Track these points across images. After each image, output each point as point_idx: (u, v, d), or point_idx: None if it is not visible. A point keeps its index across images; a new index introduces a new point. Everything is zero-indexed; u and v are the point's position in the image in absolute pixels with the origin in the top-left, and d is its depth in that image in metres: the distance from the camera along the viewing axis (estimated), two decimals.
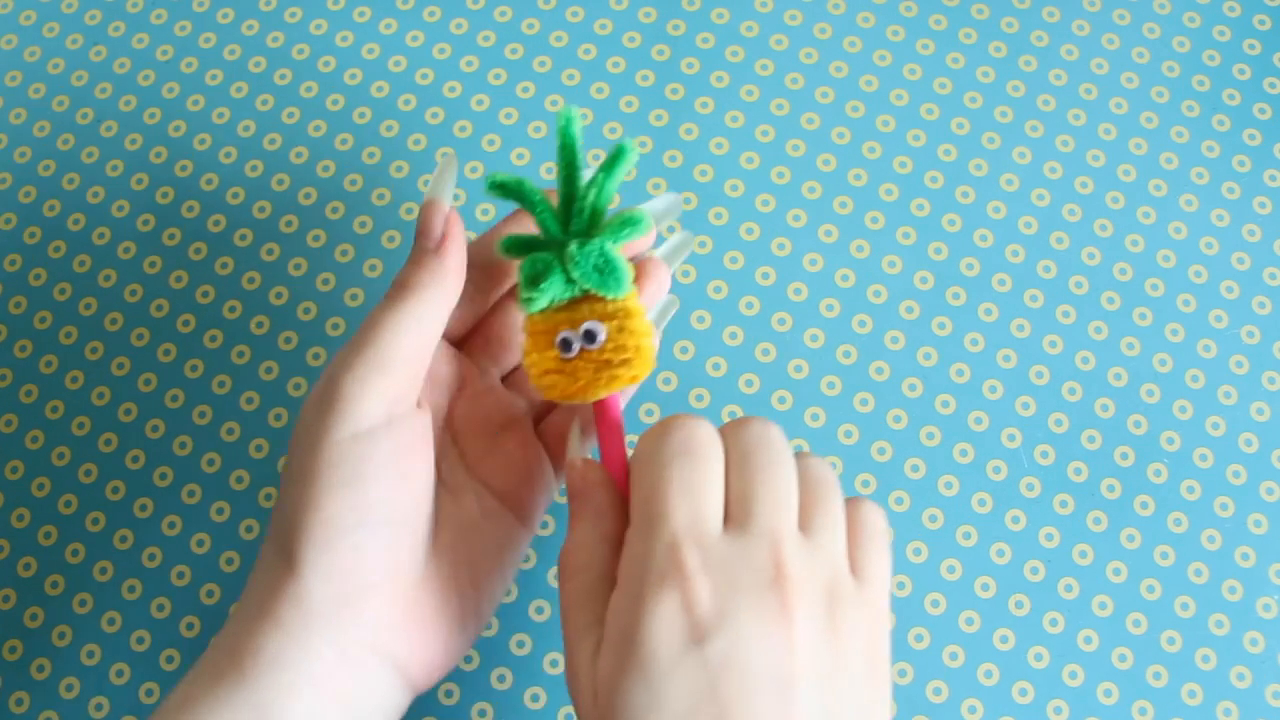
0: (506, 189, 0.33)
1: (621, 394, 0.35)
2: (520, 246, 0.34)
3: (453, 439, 0.35)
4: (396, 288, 0.32)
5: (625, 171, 0.33)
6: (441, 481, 0.34)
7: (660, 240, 0.37)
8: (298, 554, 0.30)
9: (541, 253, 0.33)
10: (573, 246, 0.32)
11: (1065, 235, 0.44)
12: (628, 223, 0.33)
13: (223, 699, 0.30)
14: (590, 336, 0.33)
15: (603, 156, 0.44)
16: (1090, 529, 0.41)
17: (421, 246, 0.33)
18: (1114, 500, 0.41)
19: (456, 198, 0.43)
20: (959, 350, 0.42)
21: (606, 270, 0.32)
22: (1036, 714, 0.39)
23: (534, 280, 0.33)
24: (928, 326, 0.42)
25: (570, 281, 0.33)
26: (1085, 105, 0.45)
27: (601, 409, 0.34)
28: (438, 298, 0.32)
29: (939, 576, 0.40)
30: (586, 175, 0.34)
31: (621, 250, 0.33)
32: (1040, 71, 0.45)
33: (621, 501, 0.32)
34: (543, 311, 0.33)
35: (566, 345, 0.33)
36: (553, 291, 0.33)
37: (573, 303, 0.33)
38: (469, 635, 0.33)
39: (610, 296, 0.33)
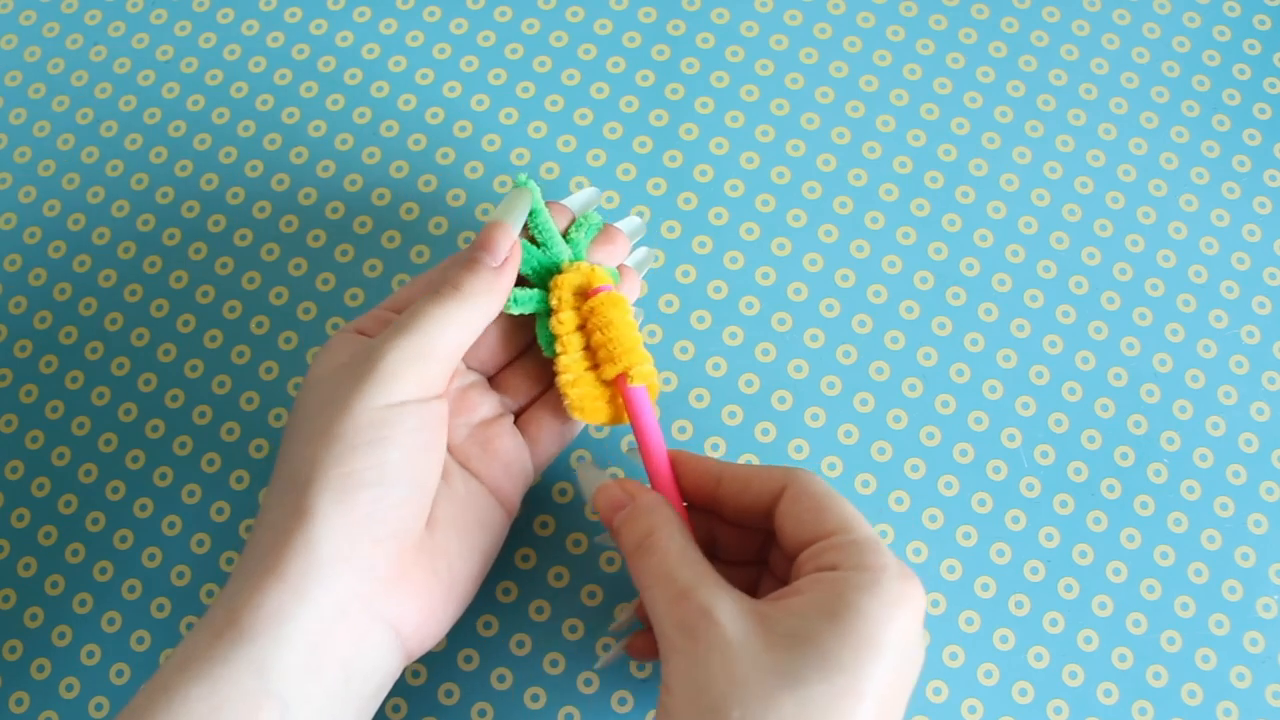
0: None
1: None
2: (537, 309, 0.37)
3: None
4: (451, 288, 0.35)
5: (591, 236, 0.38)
6: None
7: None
8: (313, 506, 0.32)
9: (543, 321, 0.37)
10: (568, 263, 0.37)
11: (1065, 235, 0.43)
12: (582, 226, 0.38)
13: (219, 658, 0.30)
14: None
15: (602, 157, 0.44)
16: (1090, 529, 0.41)
17: (481, 260, 0.35)
18: (1114, 500, 0.41)
19: (456, 198, 0.43)
20: (959, 350, 0.42)
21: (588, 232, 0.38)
22: (1036, 714, 0.39)
23: (550, 343, 0.37)
24: (928, 326, 0.42)
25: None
26: (1085, 105, 0.45)
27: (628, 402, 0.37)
28: (485, 307, 0.35)
29: (939, 576, 0.40)
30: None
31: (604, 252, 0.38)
32: (1040, 71, 0.45)
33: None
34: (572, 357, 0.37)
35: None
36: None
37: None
38: (453, 607, 0.35)
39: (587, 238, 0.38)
